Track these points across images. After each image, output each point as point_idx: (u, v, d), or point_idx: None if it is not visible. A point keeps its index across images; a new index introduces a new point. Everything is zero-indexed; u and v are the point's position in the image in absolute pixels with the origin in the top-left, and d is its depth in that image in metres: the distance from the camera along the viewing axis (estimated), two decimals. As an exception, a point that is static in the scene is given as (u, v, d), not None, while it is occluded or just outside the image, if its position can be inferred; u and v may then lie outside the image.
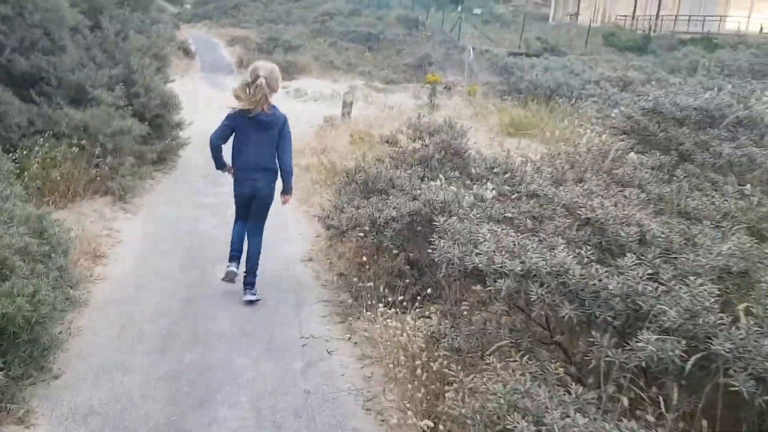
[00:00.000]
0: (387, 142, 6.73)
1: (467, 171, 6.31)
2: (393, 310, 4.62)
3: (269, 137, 5.28)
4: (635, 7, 44.69)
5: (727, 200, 3.81)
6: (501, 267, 2.91)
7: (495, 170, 5.80)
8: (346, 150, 9.73)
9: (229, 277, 5.42)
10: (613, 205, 3.39)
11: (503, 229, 3.18)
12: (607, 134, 6.23)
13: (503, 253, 2.98)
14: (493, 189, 5.06)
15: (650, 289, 2.75)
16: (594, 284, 2.77)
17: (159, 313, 5.10)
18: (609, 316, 2.75)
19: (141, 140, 8.64)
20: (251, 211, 5.50)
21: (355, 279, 5.26)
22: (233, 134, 5.37)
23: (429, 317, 4.43)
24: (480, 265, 2.95)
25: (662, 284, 2.79)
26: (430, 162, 6.35)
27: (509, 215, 4.38)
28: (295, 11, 38.45)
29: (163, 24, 23.14)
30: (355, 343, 4.76)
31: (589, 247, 3.07)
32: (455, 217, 3.49)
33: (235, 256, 5.48)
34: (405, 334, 4.01)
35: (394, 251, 5.19)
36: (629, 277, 2.79)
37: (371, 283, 5.05)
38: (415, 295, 4.93)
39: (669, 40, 31.07)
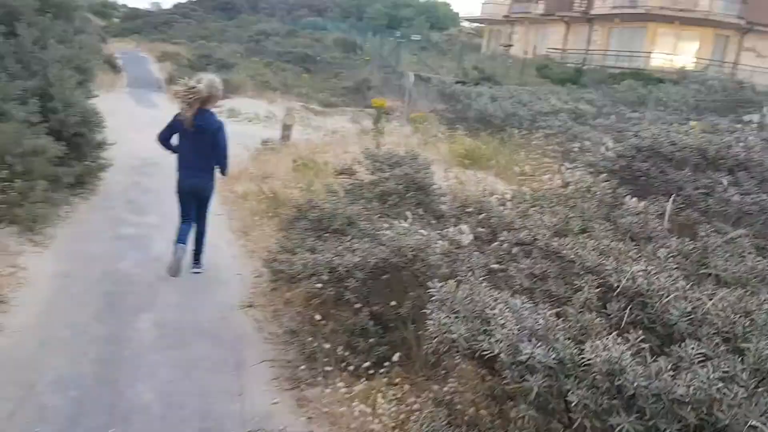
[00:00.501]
0: (342, 173, 5.96)
1: (432, 208, 5.63)
2: (359, 382, 3.83)
3: (203, 141, 5.83)
4: (565, 41, 45.76)
5: (760, 259, 3.23)
6: (529, 359, 2.19)
7: (468, 210, 5.14)
8: (288, 177, 8.90)
9: (177, 259, 5.90)
10: (645, 269, 2.73)
11: (523, 303, 2.47)
12: (583, 172, 5.67)
13: (530, 338, 2.26)
14: (469, 233, 4.39)
15: (728, 393, 2.09)
16: (656, 386, 2.09)
17: (66, 381, 4.13)
18: (677, 429, 2.07)
19: (57, 161, 7.56)
20: (195, 206, 6.10)
21: (309, 338, 4.44)
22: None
23: (400, 392, 3.67)
24: (502, 355, 2.22)
25: (741, 385, 2.14)
26: (391, 197, 5.64)
27: (499, 267, 3.70)
28: (229, 29, 37.39)
29: (88, 35, 21.77)
30: (310, 418, 3.94)
31: (631, 329, 2.40)
32: (452, 281, 2.76)
33: (181, 240, 5.96)
34: (377, 421, 3.22)
35: (357, 304, 4.40)
36: (699, 376, 2.12)
37: (328, 345, 4.25)
38: (381, 358, 4.16)
39: (600, 73, 31.60)
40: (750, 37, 37.02)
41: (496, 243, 4.15)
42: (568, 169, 5.54)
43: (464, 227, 4.44)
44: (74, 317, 5.06)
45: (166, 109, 20.32)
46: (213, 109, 5.96)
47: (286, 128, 11.61)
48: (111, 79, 22.92)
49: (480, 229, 4.69)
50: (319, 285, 4.36)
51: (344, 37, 33.84)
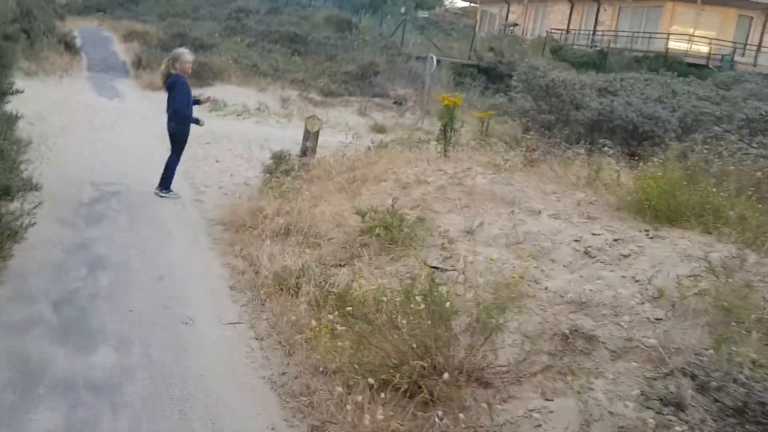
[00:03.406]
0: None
1: None
2: None
3: (171, 96, 7.70)
4: (569, 21, 42.53)
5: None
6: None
7: None
8: (348, 247, 5.36)
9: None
10: None
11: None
12: None
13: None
14: None
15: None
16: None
17: None
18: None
19: None
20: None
21: None
22: None
23: None
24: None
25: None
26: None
27: None
28: (204, 6, 33.39)
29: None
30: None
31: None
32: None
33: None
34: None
35: None
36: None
37: None
38: None
39: (624, 57, 28.44)
40: (776, 19, 34.09)
41: None
42: None
43: None
44: None
45: (134, 100, 16.66)
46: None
47: (310, 137, 8.11)
48: (66, 62, 19.12)
49: None
50: None
51: (336, 14, 30.11)
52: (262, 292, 4.90)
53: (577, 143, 7.92)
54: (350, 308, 3.77)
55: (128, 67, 20.05)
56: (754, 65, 32.68)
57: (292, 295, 4.67)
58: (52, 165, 8.12)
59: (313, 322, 4.04)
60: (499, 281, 4.22)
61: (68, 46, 20.61)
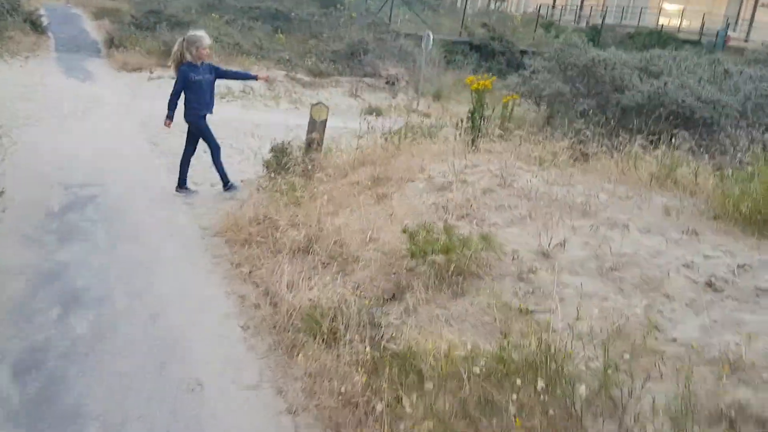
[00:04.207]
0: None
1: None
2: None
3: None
4: (555, -5, 41.38)
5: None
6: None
7: None
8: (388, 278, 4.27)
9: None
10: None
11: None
12: None
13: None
14: None
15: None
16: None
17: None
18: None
19: None
20: None
21: None
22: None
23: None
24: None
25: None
26: None
27: None
28: (178, -19, 31.66)
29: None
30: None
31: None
32: None
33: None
34: None
35: None
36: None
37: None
38: None
39: (616, 33, 27.44)
40: (770, -8, 33.29)
41: None
42: None
43: None
44: None
45: (108, 82, 15.28)
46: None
47: (316, 127, 6.95)
48: (32, 41, 17.66)
49: None
50: None
51: (318, -11, 28.62)
52: (286, 337, 3.81)
53: (619, 132, 6.88)
54: (430, 384, 2.71)
55: (100, 46, 18.64)
56: (746, 40, 31.89)
57: (327, 345, 3.59)
58: (15, 163, 6.95)
59: (368, 394, 2.99)
60: (610, 327, 3.19)
61: (34, 24, 19.11)
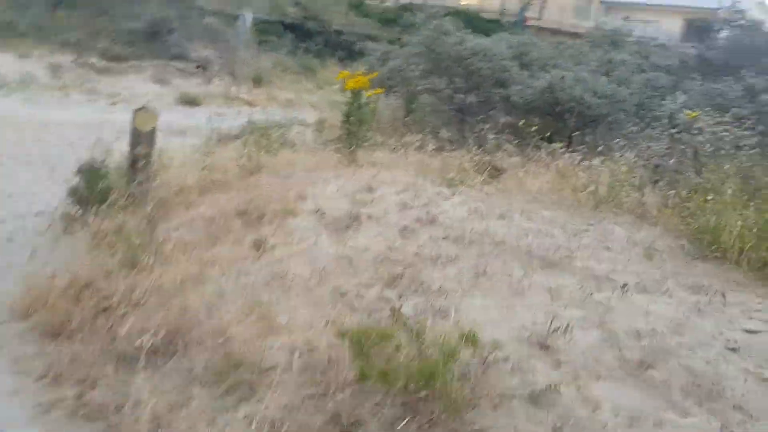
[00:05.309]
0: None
1: None
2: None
3: None
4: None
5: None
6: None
7: None
8: None
9: None
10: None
11: None
12: None
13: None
14: None
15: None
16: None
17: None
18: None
19: None
20: None
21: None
22: None
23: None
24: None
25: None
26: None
27: None
28: None
29: None
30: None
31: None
32: None
33: None
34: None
35: None
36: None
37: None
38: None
39: (426, 14, 27.17)
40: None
41: None
42: None
43: None
44: None
45: None
46: None
47: (141, 140, 5.07)
48: None
49: None
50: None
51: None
52: None
53: (505, 132, 5.95)
54: None
55: None
56: (539, 18, 33.34)
57: None
58: None
59: None
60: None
61: None
